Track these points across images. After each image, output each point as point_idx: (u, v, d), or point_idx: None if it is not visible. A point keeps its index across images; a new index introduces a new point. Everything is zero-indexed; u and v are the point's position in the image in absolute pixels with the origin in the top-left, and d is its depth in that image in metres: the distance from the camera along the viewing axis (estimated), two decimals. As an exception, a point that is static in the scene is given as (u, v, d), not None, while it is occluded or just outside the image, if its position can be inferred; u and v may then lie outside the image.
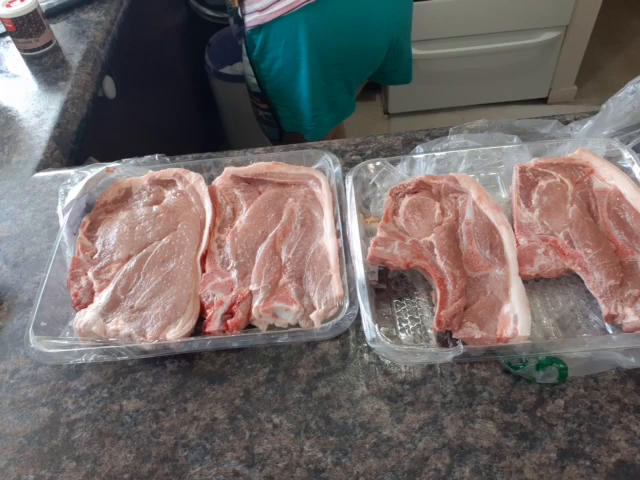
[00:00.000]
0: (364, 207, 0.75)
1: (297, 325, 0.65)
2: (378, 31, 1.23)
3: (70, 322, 0.67)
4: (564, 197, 0.71)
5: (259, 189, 0.79)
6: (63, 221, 0.74)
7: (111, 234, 0.74)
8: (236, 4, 1.20)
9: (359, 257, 0.66)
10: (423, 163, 0.77)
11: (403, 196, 0.74)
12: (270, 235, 0.72)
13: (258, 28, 1.18)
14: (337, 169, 0.77)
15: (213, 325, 0.64)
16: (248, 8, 1.18)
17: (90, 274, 0.70)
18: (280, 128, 1.39)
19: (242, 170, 0.79)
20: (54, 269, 0.70)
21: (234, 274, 0.68)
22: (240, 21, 1.22)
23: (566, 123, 0.81)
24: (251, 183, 0.80)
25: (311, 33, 1.16)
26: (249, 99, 1.48)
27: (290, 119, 1.36)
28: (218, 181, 0.80)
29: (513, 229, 0.69)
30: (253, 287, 0.67)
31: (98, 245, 0.73)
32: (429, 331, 0.64)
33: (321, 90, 1.26)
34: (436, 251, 0.67)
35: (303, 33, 1.16)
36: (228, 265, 0.70)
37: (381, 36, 1.24)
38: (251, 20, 1.18)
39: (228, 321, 0.64)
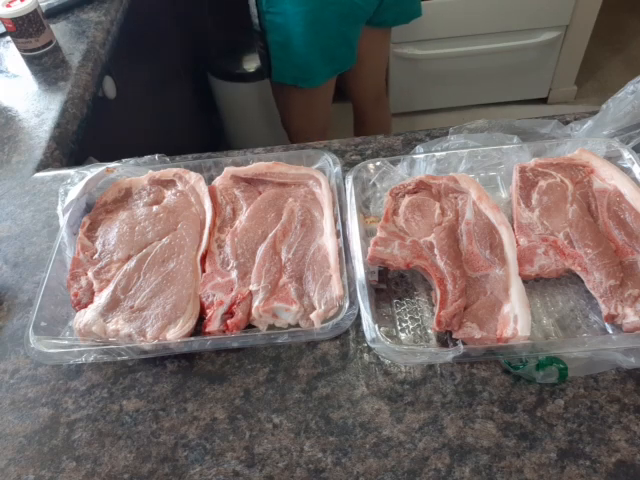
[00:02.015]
0: (364, 207, 0.75)
1: (297, 325, 0.65)
2: None
3: (70, 322, 0.67)
4: (564, 197, 0.71)
5: (259, 189, 0.79)
6: (63, 221, 0.74)
7: (111, 234, 0.74)
8: None
9: (359, 257, 0.66)
10: (423, 163, 0.77)
11: (403, 196, 0.74)
12: (270, 235, 0.72)
13: None
14: (337, 169, 0.77)
15: (213, 325, 0.64)
16: None
17: (90, 274, 0.69)
18: (269, 67, 1.43)
19: (242, 170, 0.79)
20: (54, 269, 0.70)
21: (234, 274, 0.68)
22: None
23: (566, 123, 0.81)
24: (251, 183, 0.80)
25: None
26: (246, 98, 1.52)
27: (283, 70, 1.41)
28: (218, 181, 0.80)
29: (513, 229, 0.69)
30: (253, 287, 0.67)
31: (98, 245, 0.73)
32: (429, 331, 0.64)
33: (316, 48, 1.32)
34: (436, 251, 0.67)
35: None
36: (228, 265, 0.70)
37: None
38: None
39: (228, 321, 0.64)
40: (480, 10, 2.00)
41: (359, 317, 0.62)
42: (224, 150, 0.90)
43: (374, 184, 0.77)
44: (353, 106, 1.79)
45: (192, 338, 0.63)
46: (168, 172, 0.80)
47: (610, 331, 0.62)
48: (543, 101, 2.37)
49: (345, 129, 1.90)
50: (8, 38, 1.20)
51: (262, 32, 1.36)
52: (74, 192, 0.76)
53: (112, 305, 0.66)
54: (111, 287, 0.67)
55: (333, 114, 1.66)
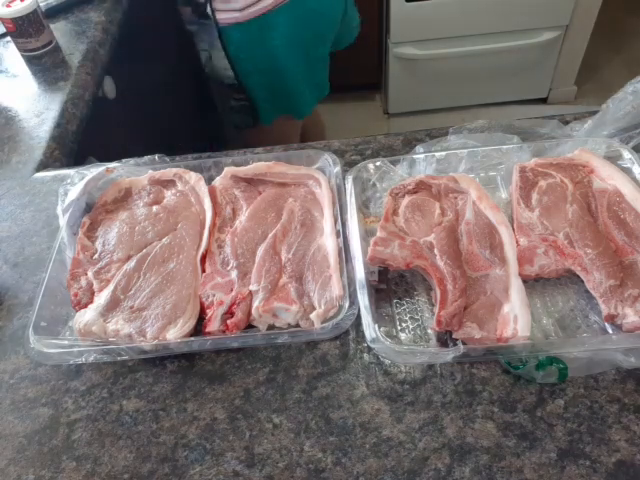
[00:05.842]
0: (364, 207, 0.75)
1: (297, 325, 0.65)
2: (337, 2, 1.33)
3: (70, 322, 0.67)
4: (564, 197, 0.71)
5: (259, 189, 0.79)
6: (63, 221, 0.74)
7: (111, 234, 0.74)
8: None
9: (359, 257, 0.66)
10: (423, 163, 0.77)
11: (403, 196, 0.74)
12: (270, 235, 0.72)
13: (237, 25, 1.20)
14: (337, 169, 0.77)
15: (213, 325, 0.64)
16: (221, 5, 1.18)
17: (90, 274, 0.70)
18: (254, 114, 1.40)
19: (242, 170, 0.79)
20: (54, 269, 0.70)
21: (234, 274, 0.68)
22: (204, 15, 1.22)
23: (566, 123, 0.81)
24: (251, 183, 0.80)
25: (289, 29, 1.21)
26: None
27: (272, 109, 1.38)
28: (218, 181, 0.80)
29: (513, 229, 0.69)
30: (253, 287, 0.67)
31: (98, 245, 0.73)
32: (429, 331, 0.64)
33: (304, 75, 1.32)
34: (436, 251, 0.67)
35: (283, 29, 1.21)
36: (228, 265, 0.70)
37: (339, 5, 1.33)
38: (227, 18, 1.20)
39: (228, 321, 0.64)
40: (480, 10, 2.00)
41: (359, 317, 0.62)
42: (224, 150, 0.90)
43: (374, 184, 0.77)
44: None
45: (192, 338, 0.63)
46: (168, 172, 0.80)
47: (610, 331, 0.62)
48: (543, 101, 2.37)
49: (345, 129, 1.90)
50: (8, 38, 1.20)
51: (239, 83, 1.31)
52: (74, 192, 0.76)
53: (112, 305, 0.66)
54: (111, 287, 0.67)
55: (331, 114, 1.66)
